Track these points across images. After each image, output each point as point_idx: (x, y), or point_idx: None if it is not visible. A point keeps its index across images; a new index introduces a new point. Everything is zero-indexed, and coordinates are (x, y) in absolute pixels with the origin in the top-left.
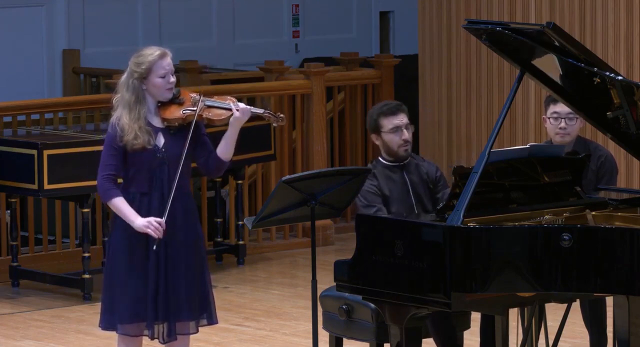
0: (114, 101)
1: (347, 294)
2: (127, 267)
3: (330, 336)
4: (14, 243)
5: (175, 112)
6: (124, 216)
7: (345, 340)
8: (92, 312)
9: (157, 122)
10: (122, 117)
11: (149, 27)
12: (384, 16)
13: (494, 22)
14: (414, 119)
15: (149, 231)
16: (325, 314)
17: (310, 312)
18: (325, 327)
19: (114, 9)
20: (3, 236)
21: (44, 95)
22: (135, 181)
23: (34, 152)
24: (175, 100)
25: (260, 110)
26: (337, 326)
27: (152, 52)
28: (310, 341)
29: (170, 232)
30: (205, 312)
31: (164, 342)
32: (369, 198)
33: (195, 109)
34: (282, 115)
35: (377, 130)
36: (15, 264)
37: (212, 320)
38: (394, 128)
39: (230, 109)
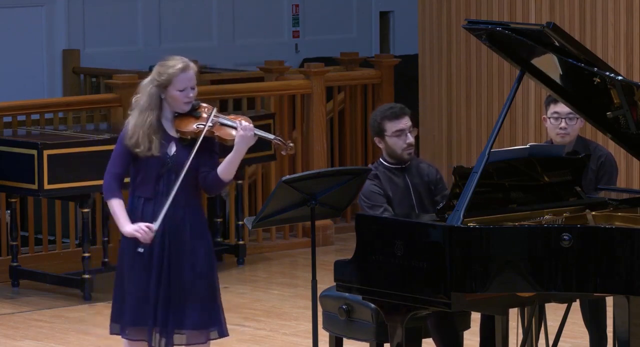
0: (133, 100)
1: (347, 294)
2: (130, 274)
3: (330, 336)
4: (14, 243)
5: (189, 125)
6: (116, 219)
7: (345, 340)
8: (92, 312)
9: (172, 131)
10: (131, 120)
11: (149, 27)
12: (384, 16)
13: (494, 22)
14: (414, 119)
15: (137, 235)
16: (325, 314)
17: (310, 312)
18: (325, 327)
19: (114, 9)
20: (3, 236)
21: (44, 95)
22: (142, 186)
23: (34, 152)
24: (192, 113)
25: (271, 137)
26: (337, 326)
27: (174, 64)
28: (310, 341)
29: (174, 240)
30: (214, 326)
31: None
32: (374, 198)
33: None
34: (291, 144)
35: (381, 133)
36: (15, 264)
37: (222, 333)
38: (398, 132)
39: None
